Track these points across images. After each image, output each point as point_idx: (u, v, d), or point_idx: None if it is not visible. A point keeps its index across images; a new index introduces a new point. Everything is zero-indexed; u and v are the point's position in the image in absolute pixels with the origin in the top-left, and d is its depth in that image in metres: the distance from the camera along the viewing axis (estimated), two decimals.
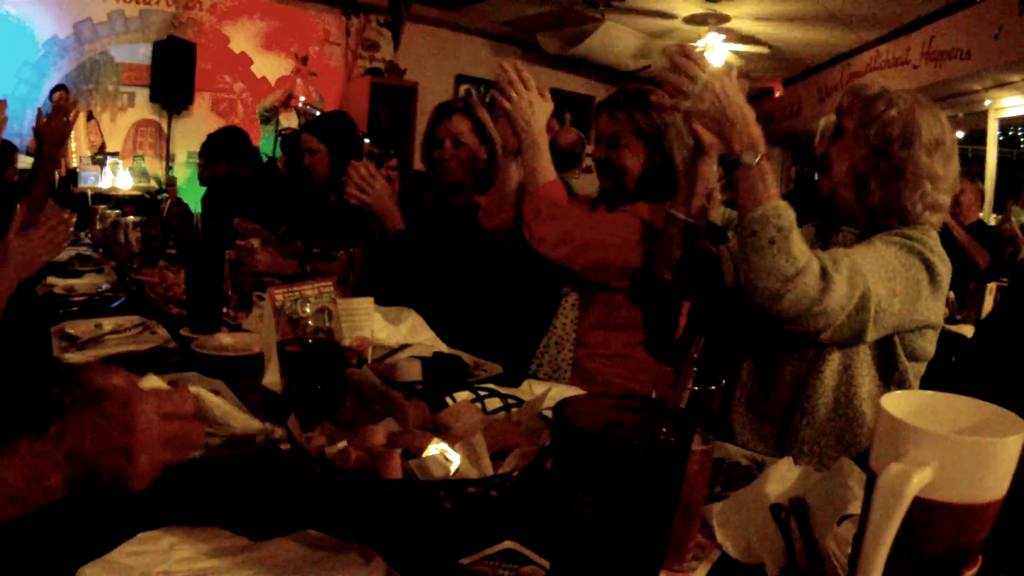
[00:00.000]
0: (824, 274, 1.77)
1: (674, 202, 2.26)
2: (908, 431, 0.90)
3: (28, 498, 0.96)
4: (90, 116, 8.43)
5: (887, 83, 2.12)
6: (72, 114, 3.92)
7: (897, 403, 0.97)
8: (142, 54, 8.79)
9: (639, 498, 0.84)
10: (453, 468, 1.19)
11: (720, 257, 2.23)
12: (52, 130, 3.78)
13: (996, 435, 0.92)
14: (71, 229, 2.27)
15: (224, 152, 5.57)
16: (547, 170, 2.53)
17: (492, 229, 2.80)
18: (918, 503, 0.89)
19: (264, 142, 8.43)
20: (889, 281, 1.84)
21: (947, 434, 0.90)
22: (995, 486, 0.91)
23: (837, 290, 1.77)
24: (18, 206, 2.18)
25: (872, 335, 1.89)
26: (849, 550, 1.05)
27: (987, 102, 9.61)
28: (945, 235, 2.18)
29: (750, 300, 1.85)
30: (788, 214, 1.81)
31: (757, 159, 1.84)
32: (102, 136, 8.52)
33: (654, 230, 2.46)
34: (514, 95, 2.51)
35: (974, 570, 0.96)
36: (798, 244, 1.78)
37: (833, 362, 1.97)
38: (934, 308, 1.95)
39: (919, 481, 0.87)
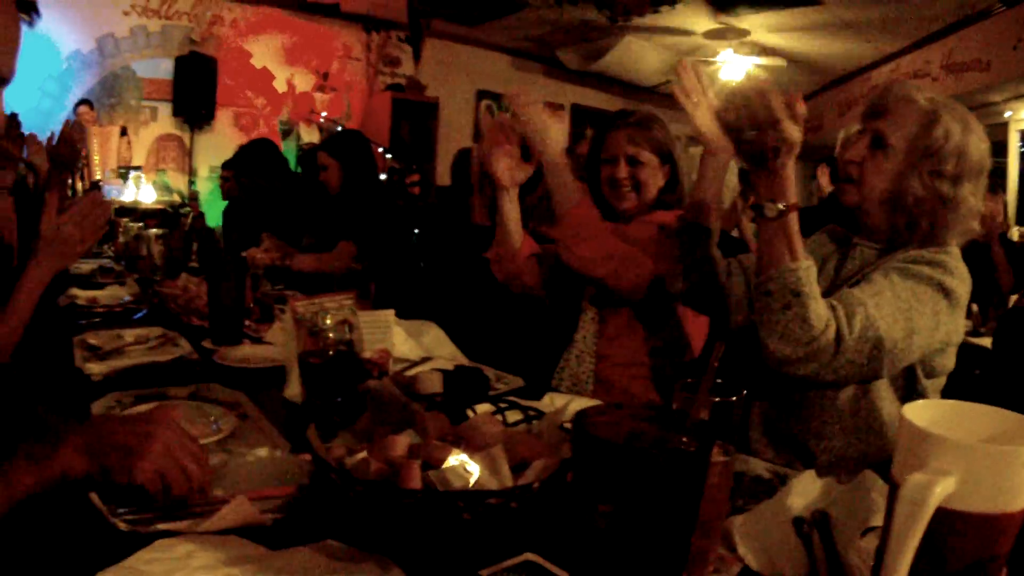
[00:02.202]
0: (838, 338, 1.72)
1: (688, 208, 2.27)
2: (930, 440, 0.90)
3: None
4: (123, 131, 8.49)
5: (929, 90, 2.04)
6: (79, 141, 3.94)
7: (919, 413, 0.96)
8: (164, 69, 8.87)
9: (658, 509, 0.84)
10: (473, 479, 1.19)
11: (727, 293, 2.20)
12: (61, 155, 3.80)
13: (1019, 443, 0.92)
14: (110, 211, 2.27)
15: (257, 165, 5.57)
16: (574, 190, 2.56)
17: (507, 279, 2.83)
18: (941, 513, 0.89)
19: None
20: (907, 321, 1.78)
21: (969, 443, 0.89)
22: (1019, 495, 0.91)
23: (848, 351, 1.73)
24: (47, 195, 2.19)
25: (887, 374, 1.86)
26: (872, 562, 1.04)
27: (1007, 113, 9.57)
28: (982, 250, 2.12)
29: (761, 354, 1.82)
30: (807, 276, 1.73)
31: (778, 213, 1.74)
32: (131, 152, 8.57)
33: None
34: (529, 121, 2.54)
35: None
36: (815, 310, 1.72)
37: (848, 389, 1.93)
38: (953, 328, 1.90)
39: (942, 491, 0.87)
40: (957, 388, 2.02)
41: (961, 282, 1.88)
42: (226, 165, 6.37)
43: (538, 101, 2.57)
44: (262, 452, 1.59)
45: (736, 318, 2.17)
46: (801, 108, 1.71)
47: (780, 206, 1.74)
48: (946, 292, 1.84)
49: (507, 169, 2.63)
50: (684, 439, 0.88)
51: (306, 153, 6.92)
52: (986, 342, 4.43)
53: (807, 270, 1.74)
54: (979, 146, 1.91)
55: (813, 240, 2.18)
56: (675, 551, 0.89)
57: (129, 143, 8.53)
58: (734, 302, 2.18)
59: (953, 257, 1.92)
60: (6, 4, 1.35)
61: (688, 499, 0.87)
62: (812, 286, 1.73)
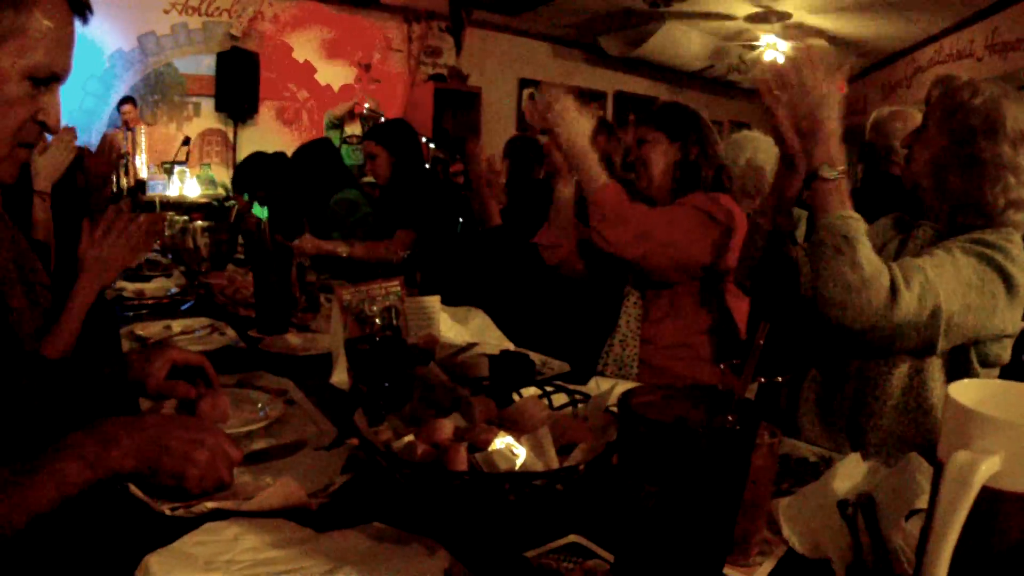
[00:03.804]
0: (894, 289, 1.74)
1: (760, 210, 2.27)
2: (976, 419, 0.89)
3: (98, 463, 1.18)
4: (186, 141, 8.56)
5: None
6: (114, 155, 3.97)
7: (965, 392, 0.95)
8: (206, 65, 8.96)
9: (704, 490, 0.84)
10: (519, 462, 1.20)
11: (799, 262, 2.17)
12: (94, 168, 3.83)
13: None
14: (145, 232, 2.32)
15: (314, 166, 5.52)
16: (599, 175, 2.59)
17: (559, 263, 2.95)
18: (986, 493, 0.88)
19: None
20: (964, 296, 1.80)
21: (1016, 421, 0.89)
22: None
23: (905, 306, 1.74)
24: (84, 221, 2.23)
25: (943, 347, 1.85)
26: (916, 545, 1.04)
27: None
28: None
29: (817, 310, 1.83)
30: (857, 225, 1.79)
31: (835, 175, 1.83)
32: (187, 157, 8.63)
33: (714, 219, 2.59)
34: (558, 116, 2.58)
35: None
36: (865, 254, 1.76)
37: (902, 367, 1.94)
38: (1011, 318, 1.89)
39: (987, 469, 0.86)
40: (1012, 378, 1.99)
41: (1021, 271, 1.87)
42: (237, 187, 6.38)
43: (567, 93, 2.62)
44: (309, 438, 1.62)
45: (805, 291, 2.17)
46: (840, 82, 1.79)
47: (838, 169, 1.84)
48: (1006, 278, 1.84)
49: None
50: (730, 419, 0.89)
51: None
52: None
53: (857, 219, 1.81)
54: (1018, 112, 1.90)
55: (877, 225, 2.20)
56: (720, 532, 0.89)
57: (188, 153, 8.60)
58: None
59: (1016, 246, 1.91)
60: (58, 3, 1.38)
61: (733, 480, 0.87)
62: (861, 233, 1.79)
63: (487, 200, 3.66)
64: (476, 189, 3.72)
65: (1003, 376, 2.00)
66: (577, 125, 2.58)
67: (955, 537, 0.88)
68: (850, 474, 1.38)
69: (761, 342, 0.96)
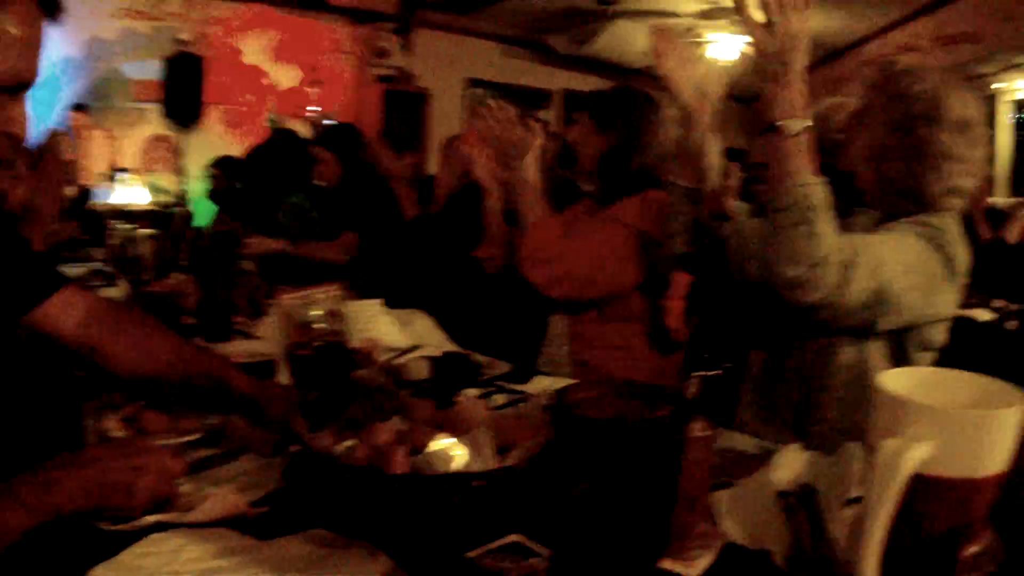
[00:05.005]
0: (846, 266, 1.69)
1: (674, 173, 2.22)
2: (905, 406, 0.90)
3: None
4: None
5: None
6: (65, 154, 3.89)
7: (896, 380, 0.96)
8: (154, 70, 8.82)
9: (635, 484, 0.84)
10: (458, 463, 1.20)
11: (726, 242, 2.12)
12: (46, 170, 3.74)
13: (995, 408, 0.92)
14: None
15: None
16: (534, 210, 2.52)
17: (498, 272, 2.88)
18: (918, 479, 0.89)
19: None
20: (907, 275, 1.77)
21: (944, 408, 0.90)
22: (995, 459, 0.92)
23: (857, 283, 1.70)
24: None
25: (884, 326, 1.84)
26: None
27: (998, 85, 9.59)
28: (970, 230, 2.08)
29: (768, 284, 1.76)
30: (821, 194, 1.69)
31: (801, 128, 1.69)
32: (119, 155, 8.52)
33: (645, 236, 2.47)
34: (500, 134, 2.53)
35: (978, 546, 0.95)
36: (827, 227, 1.68)
37: (844, 355, 1.92)
38: (949, 300, 1.90)
39: (917, 456, 0.87)
40: (952, 362, 2.01)
41: (960, 251, 1.87)
42: (216, 163, 6.35)
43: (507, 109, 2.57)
44: (252, 445, 1.60)
45: (736, 270, 2.13)
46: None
47: (801, 123, 1.69)
48: (948, 259, 1.84)
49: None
50: (658, 412, 0.89)
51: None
52: (979, 314, 4.43)
53: (824, 186, 1.70)
54: (959, 100, 1.88)
55: None
56: (655, 526, 0.89)
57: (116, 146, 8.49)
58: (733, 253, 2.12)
59: (953, 227, 1.90)
60: (27, 4, 1.33)
61: (665, 474, 0.88)
62: (825, 203, 1.69)
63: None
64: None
65: (942, 357, 2.00)
66: (520, 143, 2.53)
67: (887, 522, 0.89)
68: (789, 465, 1.39)
69: (689, 338, 0.96)
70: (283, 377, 1.93)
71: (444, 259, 3.29)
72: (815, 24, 1.68)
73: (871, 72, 2.02)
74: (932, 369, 1.02)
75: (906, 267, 1.78)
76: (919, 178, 1.90)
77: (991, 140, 2.00)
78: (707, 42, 10.33)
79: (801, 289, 1.70)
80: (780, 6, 1.68)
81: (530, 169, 2.54)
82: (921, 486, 0.90)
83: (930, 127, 1.87)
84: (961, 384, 1.01)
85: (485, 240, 2.93)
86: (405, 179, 3.73)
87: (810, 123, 1.70)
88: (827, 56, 11.14)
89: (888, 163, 1.94)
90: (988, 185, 6.63)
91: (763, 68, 1.73)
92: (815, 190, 1.68)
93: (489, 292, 3.14)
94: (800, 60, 1.69)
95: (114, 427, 1.61)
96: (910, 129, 1.89)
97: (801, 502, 1.22)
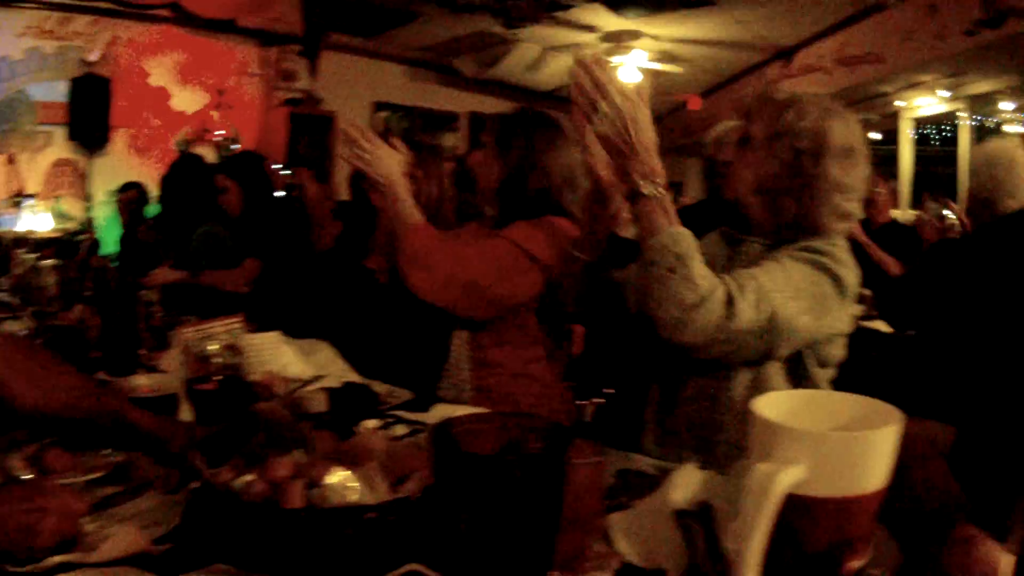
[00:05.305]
0: (729, 301, 1.73)
1: (576, 243, 2.23)
2: (777, 431, 0.93)
3: None
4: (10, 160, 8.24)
5: (800, 90, 2.09)
6: None
7: (771, 404, 0.99)
8: (60, 91, 8.61)
9: (513, 512, 0.86)
10: (354, 496, 1.21)
11: (623, 284, 2.16)
12: None
13: (870, 428, 0.95)
14: None
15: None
16: (411, 216, 2.50)
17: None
18: (794, 500, 0.92)
19: None
20: (796, 300, 1.81)
21: (815, 431, 0.93)
22: (872, 478, 0.94)
23: (743, 316, 1.73)
24: None
25: (782, 353, 1.88)
26: None
27: (899, 103, 9.89)
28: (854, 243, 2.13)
29: (654, 329, 1.82)
30: (687, 241, 1.76)
31: (657, 189, 1.79)
32: (21, 182, 8.32)
33: (531, 257, 2.47)
34: (364, 153, 2.49)
35: (861, 561, 0.98)
36: (699, 271, 1.74)
37: (742, 377, 1.94)
38: (843, 317, 1.94)
39: (787, 480, 0.90)
40: (856, 373, 2.06)
41: (850, 272, 1.91)
42: (124, 188, 6.26)
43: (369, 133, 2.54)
44: (155, 481, 1.59)
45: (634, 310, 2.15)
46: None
47: (657, 183, 1.79)
48: (835, 279, 1.87)
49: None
50: (538, 446, 0.91)
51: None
52: (880, 326, 4.55)
53: (687, 235, 1.78)
54: (841, 128, 1.93)
55: (704, 241, 2.15)
56: (537, 552, 0.91)
57: (19, 172, 8.28)
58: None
59: (840, 249, 1.94)
60: None
61: (544, 501, 0.89)
62: (694, 249, 1.76)
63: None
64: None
65: (849, 368, 2.05)
66: (388, 158, 2.50)
67: (760, 544, 0.91)
68: (686, 484, 1.41)
69: (567, 363, 0.98)
70: (185, 412, 1.92)
71: (338, 271, 3.26)
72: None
73: (752, 102, 2.06)
74: (807, 392, 1.06)
75: (794, 292, 1.82)
76: (809, 209, 1.95)
77: (895, 157, 2.06)
78: (615, 65, 10.43)
79: (685, 331, 1.75)
80: (606, 96, 1.77)
81: (398, 180, 2.50)
82: (798, 506, 0.92)
83: (817, 161, 1.91)
84: (839, 405, 1.05)
85: (374, 250, 2.94)
86: (328, 210, 3.71)
87: (665, 182, 1.80)
88: (732, 77, 11.40)
89: (777, 198, 1.98)
90: (892, 198, 6.78)
91: (608, 147, 1.82)
92: (681, 239, 1.76)
93: (385, 307, 3.10)
94: (643, 134, 1.78)
95: (18, 466, 1.59)
96: (798, 165, 1.92)
97: (698, 520, 1.25)
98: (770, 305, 1.77)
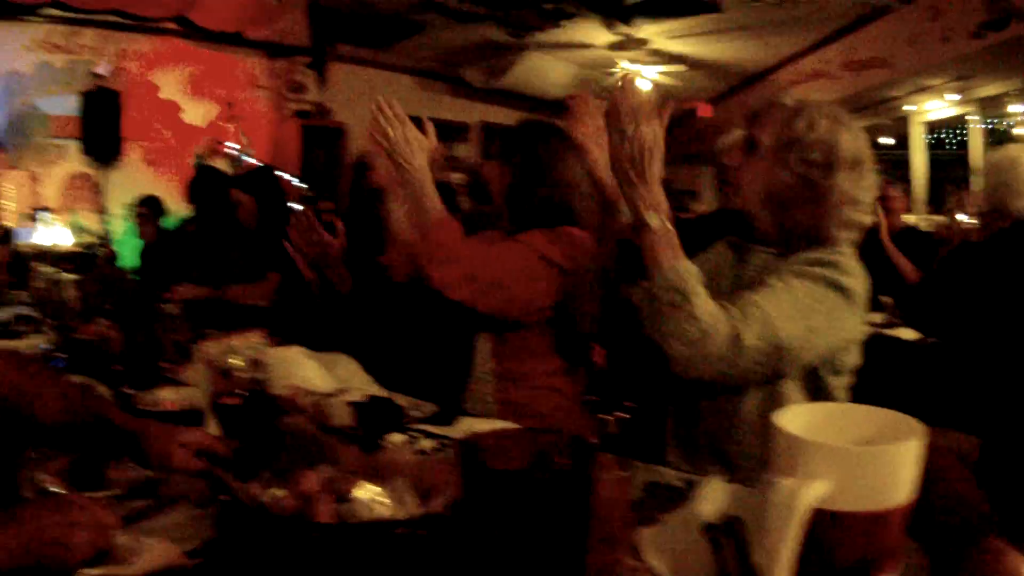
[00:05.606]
0: (734, 336, 1.74)
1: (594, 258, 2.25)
2: (801, 446, 0.93)
3: None
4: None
5: (808, 96, 2.09)
6: None
7: (793, 418, 1.00)
8: (72, 105, 8.64)
9: (542, 529, 0.87)
10: (384, 510, 1.22)
11: (638, 305, 2.11)
12: None
13: (893, 441, 0.96)
14: None
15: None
16: (435, 208, 2.43)
17: (407, 280, 2.82)
18: (821, 514, 0.92)
19: None
20: (805, 320, 1.81)
21: (838, 446, 0.93)
22: (897, 492, 0.94)
23: (749, 353, 1.75)
24: None
25: (794, 374, 1.89)
26: None
27: (909, 107, 9.86)
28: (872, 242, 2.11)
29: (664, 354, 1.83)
30: (690, 274, 1.78)
31: (663, 223, 1.81)
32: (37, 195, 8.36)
33: (549, 262, 2.46)
34: (391, 132, 2.45)
35: (892, 574, 0.98)
36: (702, 307, 1.75)
37: (756, 391, 1.93)
38: (854, 325, 1.93)
39: (812, 495, 0.90)
40: (878, 381, 2.04)
41: (857, 280, 1.90)
42: (140, 201, 6.28)
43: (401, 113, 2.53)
44: (187, 494, 1.60)
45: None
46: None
47: (662, 215, 1.81)
48: (842, 290, 1.86)
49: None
50: (564, 462, 0.92)
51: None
52: (902, 333, 4.51)
53: (689, 269, 1.79)
54: (852, 139, 1.93)
55: (712, 250, 2.20)
56: (568, 567, 0.92)
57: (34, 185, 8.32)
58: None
59: (847, 256, 1.94)
60: None
61: (573, 518, 0.90)
62: (696, 284, 1.78)
63: None
64: None
65: (868, 376, 2.03)
66: (416, 143, 2.45)
67: (788, 559, 0.91)
68: (714, 497, 1.41)
69: (593, 376, 0.99)
70: (211, 427, 1.93)
71: (351, 266, 3.19)
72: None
73: (759, 107, 2.06)
74: (832, 404, 1.06)
75: (801, 313, 1.82)
76: (819, 221, 1.95)
77: (906, 162, 2.06)
78: (621, 74, 10.42)
79: (692, 365, 1.78)
80: (632, 118, 1.79)
81: (424, 167, 2.45)
82: (825, 520, 0.92)
83: (827, 173, 1.91)
84: (860, 418, 1.05)
85: (388, 245, 2.88)
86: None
87: (670, 215, 1.81)
88: (742, 83, 11.37)
89: (787, 210, 1.97)
90: (905, 202, 6.70)
91: (621, 172, 1.83)
92: (684, 273, 1.78)
93: (401, 306, 3.07)
94: (655, 164, 1.80)
95: (49, 481, 1.60)
96: (808, 177, 1.92)
97: (727, 534, 1.25)
98: (776, 335, 1.78)
